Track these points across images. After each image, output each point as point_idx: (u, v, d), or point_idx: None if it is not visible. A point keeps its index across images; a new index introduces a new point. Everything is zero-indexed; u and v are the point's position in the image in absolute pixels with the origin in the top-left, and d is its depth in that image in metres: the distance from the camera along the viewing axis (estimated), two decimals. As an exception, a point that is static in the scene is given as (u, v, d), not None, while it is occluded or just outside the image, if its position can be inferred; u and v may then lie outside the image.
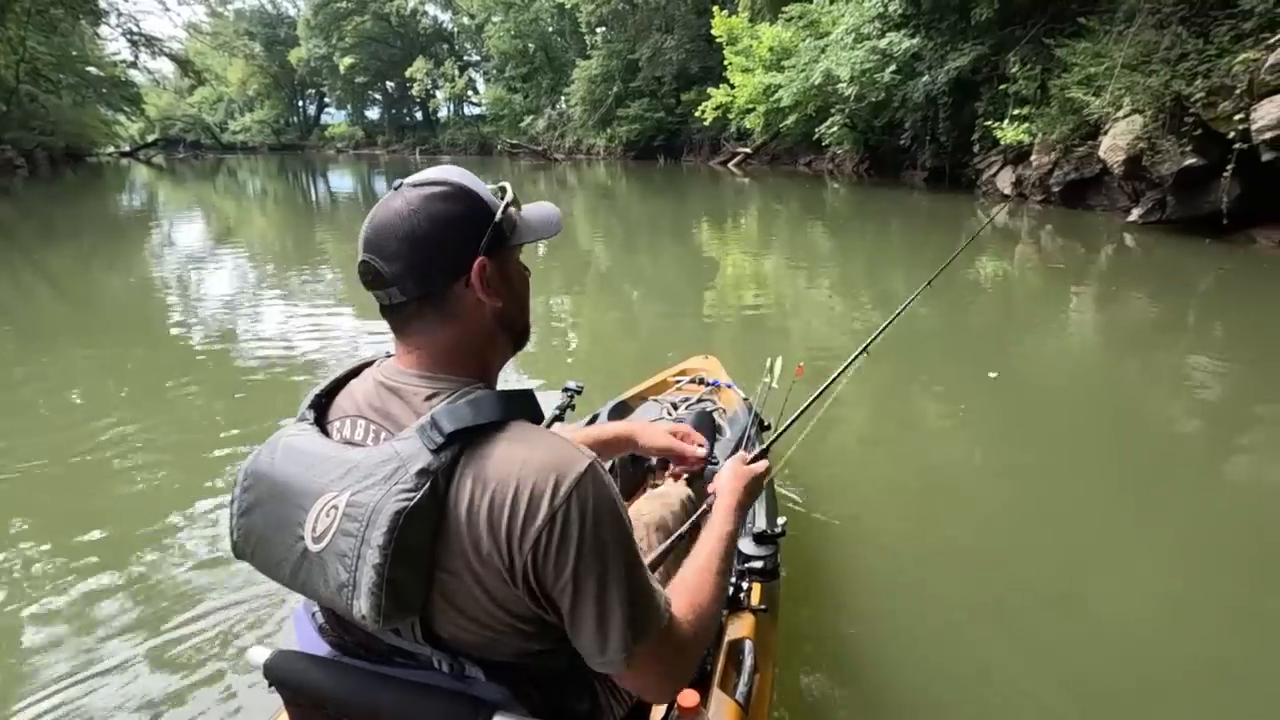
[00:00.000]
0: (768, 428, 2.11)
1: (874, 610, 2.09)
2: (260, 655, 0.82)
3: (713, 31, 19.89)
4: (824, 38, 15.38)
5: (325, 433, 0.78)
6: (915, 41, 13.10)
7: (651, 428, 1.28)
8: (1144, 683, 1.84)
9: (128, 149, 38.92)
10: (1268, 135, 6.56)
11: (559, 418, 1.89)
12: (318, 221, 13.75)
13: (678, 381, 2.57)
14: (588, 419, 2.22)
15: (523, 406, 0.74)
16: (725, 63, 19.21)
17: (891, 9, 13.25)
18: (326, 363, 4.44)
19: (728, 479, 1.08)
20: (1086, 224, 9.73)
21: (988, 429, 3.48)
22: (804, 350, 4.74)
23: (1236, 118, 6.80)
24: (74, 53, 25.75)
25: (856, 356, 1.70)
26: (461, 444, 0.68)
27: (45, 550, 2.40)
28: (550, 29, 35.26)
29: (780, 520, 1.51)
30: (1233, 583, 2.24)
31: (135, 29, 26.31)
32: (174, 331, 5.41)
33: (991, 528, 2.59)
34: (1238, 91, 6.76)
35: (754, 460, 1.14)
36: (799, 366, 2.13)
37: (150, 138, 43.69)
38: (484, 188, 0.77)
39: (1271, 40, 6.61)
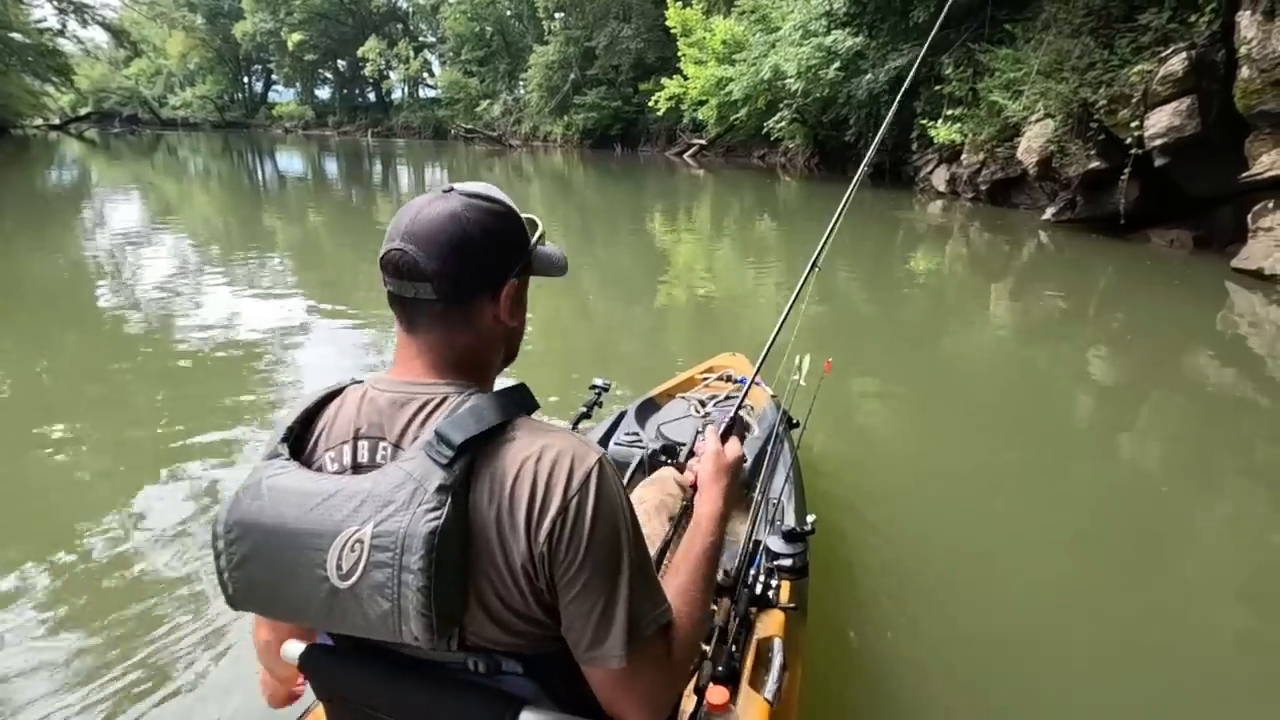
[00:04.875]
0: (796, 425, 2.22)
1: (903, 606, 2.12)
2: (295, 649, 0.82)
3: (667, 23, 20.06)
4: (774, 33, 15.75)
5: (308, 466, 0.76)
6: (859, 40, 13.56)
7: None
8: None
9: (58, 122, 36.85)
10: (1158, 142, 7.17)
11: (586, 415, 1.90)
12: (265, 204, 13.44)
13: (705, 379, 2.57)
14: (615, 416, 2.25)
15: (519, 402, 0.75)
16: (679, 54, 19.42)
17: (837, 7, 13.66)
18: (273, 351, 4.43)
19: (710, 472, 1.01)
20: (1010, 221, 10.34)
21: (1002, 428, 3.66)
22: (748, 342, 5.04)
23: (1133, 125, 7.39)
24: (-5, 18, 24.24)
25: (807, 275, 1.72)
26: (472, 453, 0.69)
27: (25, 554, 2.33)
28: (508, 12, 34.76)
29: (810, 518, 1.51)
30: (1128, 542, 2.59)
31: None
32: (109, 317, 5.30)
33: (1012, 524, 2.70)
34: (1134, 100, 7.34)
35: (724, 438, 1.08)
36: (827, 363, 2.20)
37: (83, 110, 41.40)
38: (522, 216, 0.82)
39: (1164, 54, 7.19)
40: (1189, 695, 1.92)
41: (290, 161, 25.13)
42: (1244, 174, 6.76)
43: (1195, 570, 2.54)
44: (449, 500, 0.66)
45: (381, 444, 0.74)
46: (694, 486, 1.04)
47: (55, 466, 2.95)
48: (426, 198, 0.76)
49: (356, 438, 0.75)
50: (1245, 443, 3.53)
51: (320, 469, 0.75)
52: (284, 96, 50.64)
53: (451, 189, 0.77)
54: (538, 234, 0.83)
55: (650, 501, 1.36)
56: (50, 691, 1.78)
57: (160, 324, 5.06)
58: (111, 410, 3.56)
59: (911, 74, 2.44)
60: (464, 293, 0.75)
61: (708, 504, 0.96)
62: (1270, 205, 6.61)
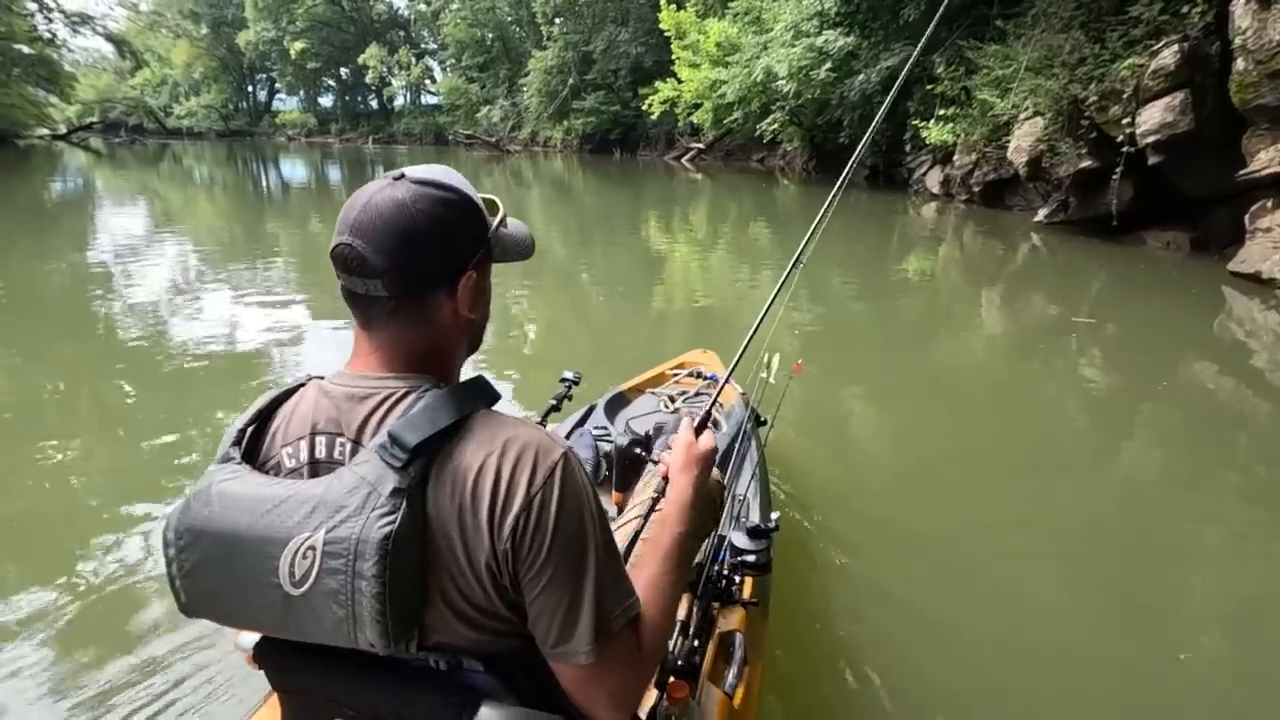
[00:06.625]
0: (764, 422, 2.19)
1: (865, 604, 2.11)
2: (250, 640, 0.80)
3: (661, 25, 19.96)
4: (766, 34, 15.58)
5: (263, 468, 0.73)
6: (850, 40, 13.34)
7: None
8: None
9: (63, 131, 37.18)
10: (1151, 139, 6.87)
11: (556, 408, 1.89)
12: (269, 212, 13.38)
13: (675, 374, 2.56)
14: (584, 410, 2.23)
15: (476, 396, 0.72)
16: (674, 57, 19.31)
17: (828, 7, 13.45)
18: (279, 359, 4.31)
19: (681, 462, 0.98)
20: (1003, 223, 10.05)
21: (959, 427, 3.59)
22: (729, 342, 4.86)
23: (1125, 121, 7.09)
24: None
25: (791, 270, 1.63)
26: (429, 455, 0.66)
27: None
28: (508, 18, 34.84)
29: (774, 515, 1.53)
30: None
31: (53, 4, 25.04)
32: (111, 326, 5.13)
33: (970, 519, 2.66)
34: (1125, 96, 7.04)
35: (698, 431, 1.05)
36: (796, 364, 2.21)
37: (88, 120, 41.77)
38: (479, 199, 0.76)
39: (1156, 47, 6.91)
40: (1166, 701, 1.84)
41: (294, 169, 25.13)
42: (1241, 172, 6.46)
43: (1187, 576, 2.42)
44: (404, 504, 0.64)
45: (340, 440, 0.71)
46: (665, 478, 1.00)
47: (52, 477, 2.86)
48: (376, 185, 0.72)
49: (314, 433, 0.72)
50: (1243, 454, 3.36)
51: (278, 465, 0.73)
52: (287, 104, 51.03)
53: (403, 175, 0.72)
54: (499, 217, 0.78)
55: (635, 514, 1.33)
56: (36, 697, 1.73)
57: (164, 333, 4.90)
58: (112, 420, 3.46)
59: (904, 73, 2.22)
60: (416, 289, 0.72)
61: (678, 494, 0.94)
62: (1269, 205, 6.32)
